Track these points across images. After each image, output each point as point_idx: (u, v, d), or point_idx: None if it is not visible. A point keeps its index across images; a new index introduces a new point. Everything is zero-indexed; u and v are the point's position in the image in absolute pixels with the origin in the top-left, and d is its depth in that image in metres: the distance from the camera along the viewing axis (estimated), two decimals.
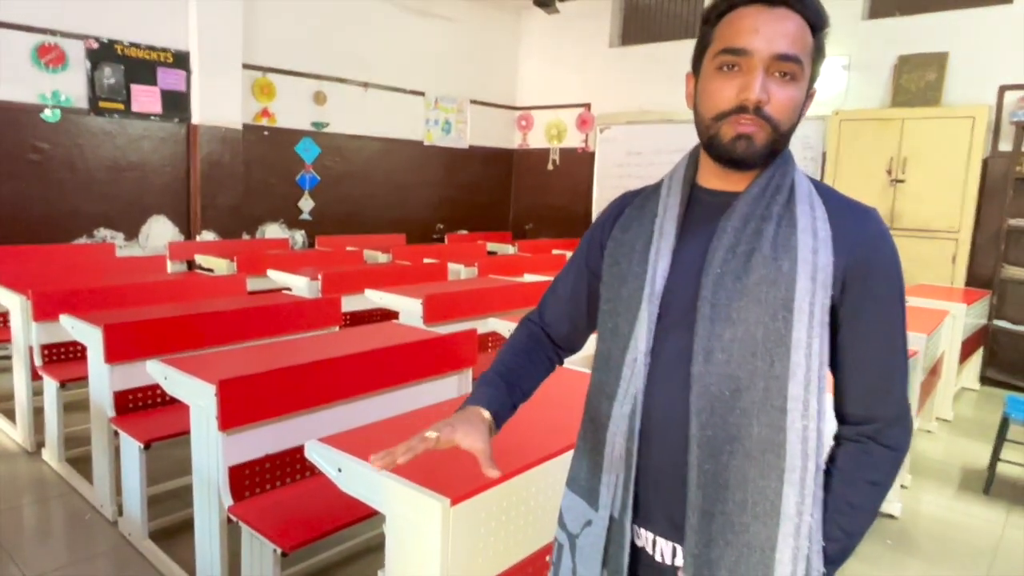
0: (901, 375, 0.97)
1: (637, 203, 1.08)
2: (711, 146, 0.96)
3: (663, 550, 1.00)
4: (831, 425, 1.00)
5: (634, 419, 0.97)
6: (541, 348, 1.19)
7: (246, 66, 5.87)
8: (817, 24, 0.94)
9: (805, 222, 0.93)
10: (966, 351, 4.61)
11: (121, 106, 5.27)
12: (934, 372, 3.78)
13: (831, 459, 0.99)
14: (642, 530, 1.02)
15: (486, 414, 1.04)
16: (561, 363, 1.23)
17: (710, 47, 0.96)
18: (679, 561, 0.99)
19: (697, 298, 0.94)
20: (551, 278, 1.47)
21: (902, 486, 3.16)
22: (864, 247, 0.94)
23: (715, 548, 0.92)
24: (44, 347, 3.17)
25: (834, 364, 0.97)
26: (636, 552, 1.03)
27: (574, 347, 1.23)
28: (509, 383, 1.11)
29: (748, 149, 0.93)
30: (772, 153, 0.95)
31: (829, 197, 0.97)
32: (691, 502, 0.94)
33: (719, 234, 0.95)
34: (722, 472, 0.92)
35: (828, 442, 0.99)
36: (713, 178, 1.01)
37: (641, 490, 0.99)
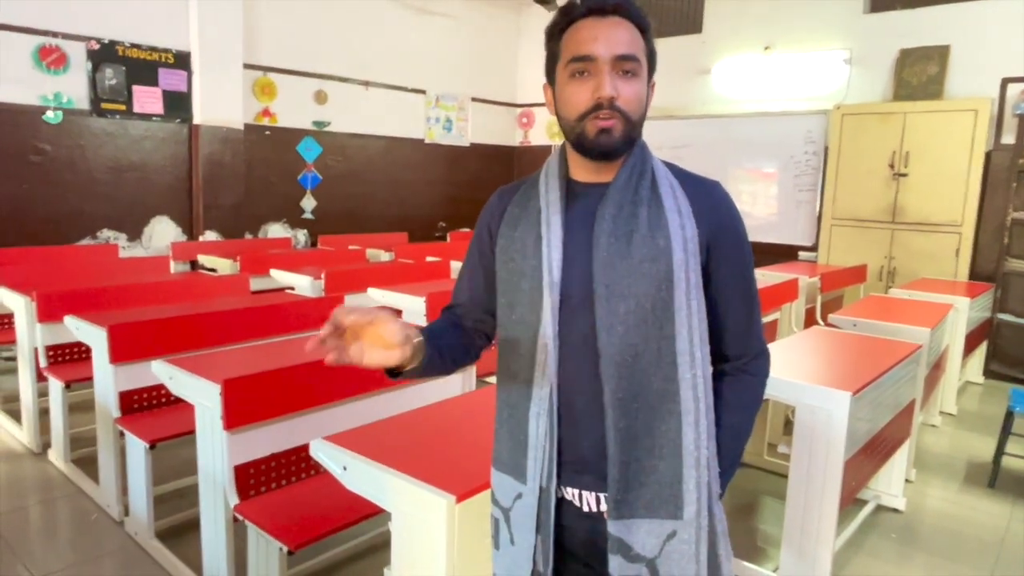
0: (757, 317, 1.18)
1: (518, 200, 1.17)
2: (579, 144, 1.08)
3: (589, 501, 1.12)
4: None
5: (552, 396, 1.09)
6: (458, 327, 1.26)
7: (247, 66, 5.87)
8: (643, 27, 1.08)
9: (670, 201, 1.08)
10: (970, 345, 4.60)
11: (123, 107, 5.28)
12: (938, 366, 3.77)
13: (715, 393, 1.14)
14: (569, 488, 1.13)
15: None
16: (481, 347, 1.29)
17: (560, 59, 1.09)
18: (603, 507, 1.11)
19: (592, 281, 1.06)
20: None
21: (907, 480, 3.15)
22: (716, 215, 1.11)
23: (632, 491, 1.06)
24: (49, 348, 3.18)
25: (709, 315, 1.12)
26: (566, 505, 1.14)
27: (488, 333, 1.29)
28: (431, 332, 1.16)
29: (610, 140, 1.06)
30: (630, 142, 1.08)
31: (681, 176, 1.13)
32: (611, 457, 1.06)
33: (599, 221, 1.07)
34: (632, 426, 1.06)
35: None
36: (583, 172, 1.13)
37: (567, 455, 1.11)
